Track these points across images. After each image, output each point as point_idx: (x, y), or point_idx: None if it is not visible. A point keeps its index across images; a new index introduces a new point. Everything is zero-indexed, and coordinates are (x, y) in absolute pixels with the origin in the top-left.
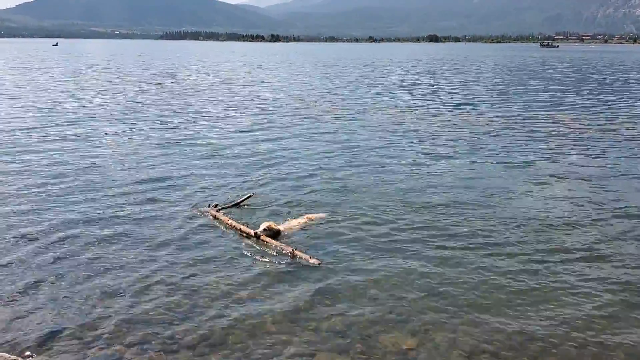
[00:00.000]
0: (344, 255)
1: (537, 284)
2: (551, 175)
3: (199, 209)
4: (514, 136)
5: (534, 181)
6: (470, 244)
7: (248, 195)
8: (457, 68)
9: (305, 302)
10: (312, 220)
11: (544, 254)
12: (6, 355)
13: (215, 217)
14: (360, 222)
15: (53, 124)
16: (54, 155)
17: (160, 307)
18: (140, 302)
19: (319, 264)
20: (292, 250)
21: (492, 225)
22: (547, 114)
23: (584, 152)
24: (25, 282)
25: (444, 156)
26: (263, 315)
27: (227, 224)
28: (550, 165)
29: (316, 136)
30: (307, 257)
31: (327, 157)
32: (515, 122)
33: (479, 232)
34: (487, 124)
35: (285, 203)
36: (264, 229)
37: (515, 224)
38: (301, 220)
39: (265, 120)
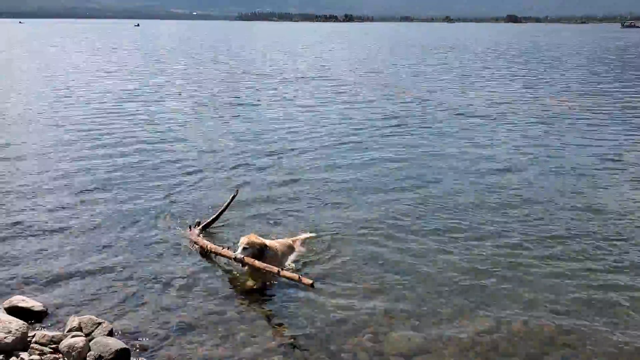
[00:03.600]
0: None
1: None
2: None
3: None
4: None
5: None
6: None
7: (233, 195)
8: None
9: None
10: (305, 240)
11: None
12: (94, 317)
13: (196, 244)
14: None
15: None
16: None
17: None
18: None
19: (311, 284)
20: (278, 271)
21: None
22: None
23: None
24: (104, 255)
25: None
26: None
27: (207, 248)
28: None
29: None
30: (296, 276)
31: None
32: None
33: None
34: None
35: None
36: (244, 247)
37: (567, 217)
38: (288, 240)
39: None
